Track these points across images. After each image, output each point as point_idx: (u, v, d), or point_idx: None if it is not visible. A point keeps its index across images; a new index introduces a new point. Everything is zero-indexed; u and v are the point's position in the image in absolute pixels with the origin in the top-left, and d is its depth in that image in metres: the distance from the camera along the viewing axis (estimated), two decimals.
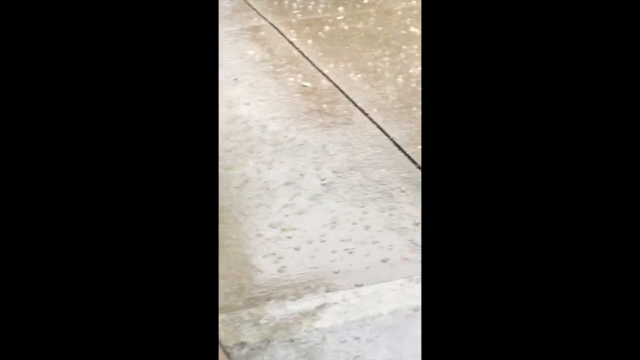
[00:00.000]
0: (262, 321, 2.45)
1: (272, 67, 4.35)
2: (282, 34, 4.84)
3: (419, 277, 2.64)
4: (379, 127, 3.64)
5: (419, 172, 3.25)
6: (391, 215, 2.98)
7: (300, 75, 4.23)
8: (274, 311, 2.50)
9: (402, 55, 4.44)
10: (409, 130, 3.59)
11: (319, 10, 5.24)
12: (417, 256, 2.75)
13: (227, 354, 2.32)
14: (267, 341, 2.38)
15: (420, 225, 2.91)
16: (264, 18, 5.14)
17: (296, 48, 4.61)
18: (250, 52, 4.56)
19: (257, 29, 4.96)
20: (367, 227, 2.92)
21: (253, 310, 2.50)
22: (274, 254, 2.79)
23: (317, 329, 2.41)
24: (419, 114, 3.74)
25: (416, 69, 4.24)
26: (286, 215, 3.00)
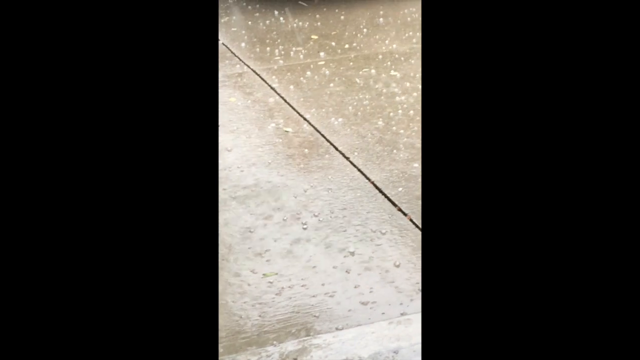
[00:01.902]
0: None
1: (254, 113, 4.39)
2: (264, 80, 4.89)
3: (400, 319, 2.65)
4: (359, 170, 3.67)
5: (399, 215, 3.28)
6: (371, 258, 3.00)
7: (281, 121, 4.27)
8: (255, 357, 2.50)
9: (383, 98, 4.48)
10: (389, 173, 3.62)
11: (301, 56, 5.30)
12: (398, 298, 2.76)
13: None
14: None
15: (400, 268, 2.93)
16: (247, 65, 5.19)
17: (278, 94, 4.65)
18: (232, 99, 4.60)
19: (239, 75, 5.01)
20: (347, 271, 2.93)
21: (234, 356, 2.50)
22: (255, 299, 2.79)
23: None
24: (399, 156, 3.78)
25: (396, 112, 4.28)
26: (267, 260, 3.02)
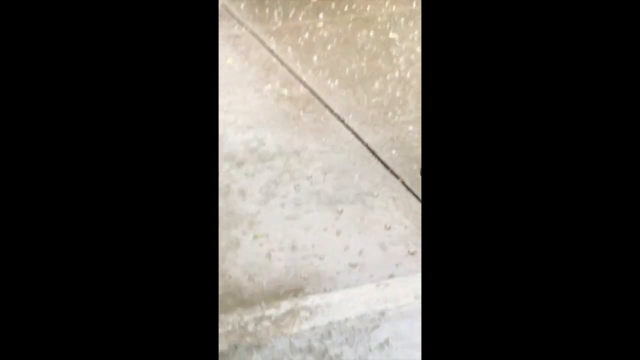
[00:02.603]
0: (230, 328, 2.48)
1: (250, 76, 4.37)
2: (261, 42, 4.87)
3: (388, 281, 2.66)
4: (353, 132, 3.66)
5: (392, 178, 3.28)
6: (362, 220, 3.01)
7: (278, 83, 4.26)
8: (244, 318, 2.52)
9: (379, 61, 4.46)
10: (383, 135, 3.62)
11: (300, 18, 5.27)
12: (387, 261, 2.77)
13: None
14: (235, 347, 2.40)
15: (391, 230, 2.93)
16: (245, 26, 5.17)
17: (275, 56, 4.63)
18: (230, 61, 4.59)
19: (237, 37, 4.98)
20: (338, 233, 2.94)
21: (222, 317, 2.52)
22: (245, 261, 2.81)
23: (284, 335, 2.43)
24: (394, 119, 3.77)
25: (393, 75, 4.27)
26: (259, 222, 3.03)
